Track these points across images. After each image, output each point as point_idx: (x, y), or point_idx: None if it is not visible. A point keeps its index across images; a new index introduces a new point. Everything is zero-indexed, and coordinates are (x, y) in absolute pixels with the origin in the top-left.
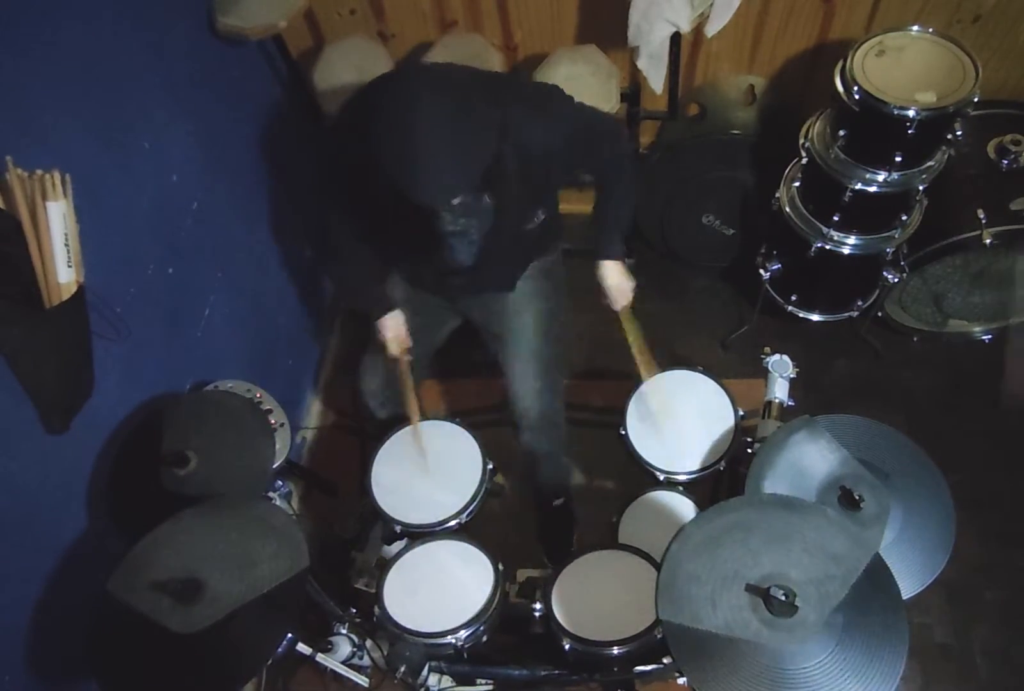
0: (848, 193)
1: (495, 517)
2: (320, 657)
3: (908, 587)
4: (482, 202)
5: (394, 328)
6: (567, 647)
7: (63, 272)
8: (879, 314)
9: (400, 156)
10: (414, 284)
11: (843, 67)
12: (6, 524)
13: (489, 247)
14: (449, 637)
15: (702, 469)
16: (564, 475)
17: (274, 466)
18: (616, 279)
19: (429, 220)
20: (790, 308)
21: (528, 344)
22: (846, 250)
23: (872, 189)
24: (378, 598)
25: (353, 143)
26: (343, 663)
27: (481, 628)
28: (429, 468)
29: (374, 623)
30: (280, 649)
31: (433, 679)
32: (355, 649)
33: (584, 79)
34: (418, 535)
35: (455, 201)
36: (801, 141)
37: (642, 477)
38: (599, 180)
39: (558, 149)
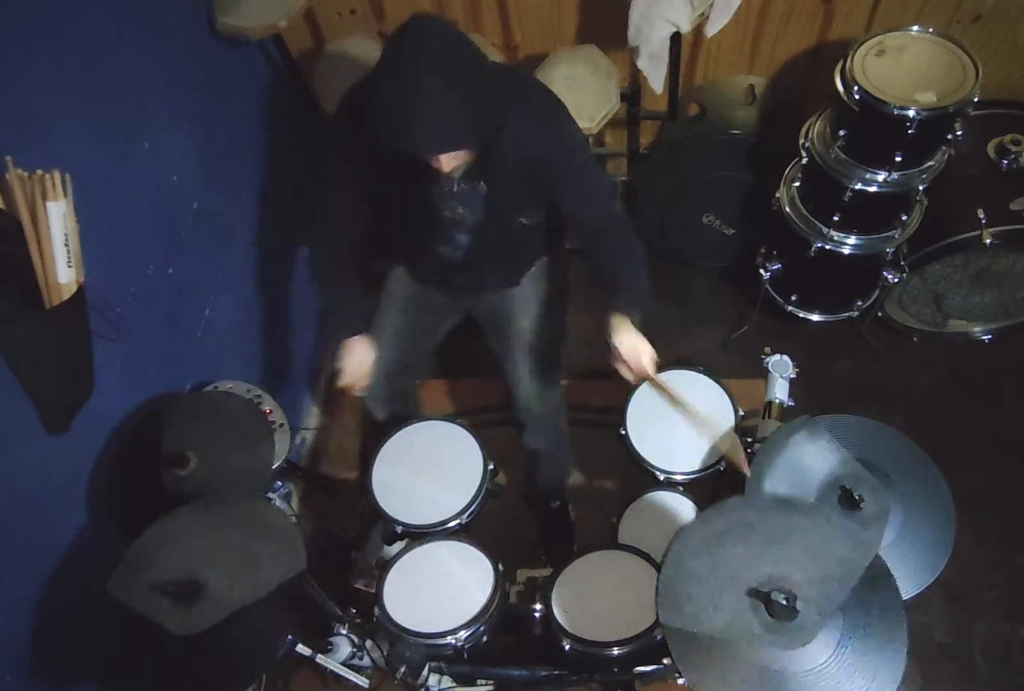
0: (848, 193)
1: (495, 517)
2: (320, 658)
3: (908, 587)
4: (478, 189)
5: (357, 356)
6: (567, 647)
7: (63, 272)
8: (879, 314)
9: (400, 100)
10: (418, 280)
11: (843, 67)
12: (6, 524)
13: (483, 241)
14: (449, 637)
15: (702, 469)
16: (561, 476)
17: (274, 466)
18: (630, 340)
19: (430, 207)
20: (790, 308)
21: (530, 343)
22: (846, 250)
23: (872, 189)
24: (378, 598)
25: (355, 117)
26: (343, 664)
27: (481, 628)
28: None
29: (374, 623)
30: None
31: (433, 679)
32: (355, 650)
33: (584, 79)
34: (418, 535)
35: (452, 159)
36: (801, 141)
37: (642, 477)
38: (596, 238)
39: (553, 157)
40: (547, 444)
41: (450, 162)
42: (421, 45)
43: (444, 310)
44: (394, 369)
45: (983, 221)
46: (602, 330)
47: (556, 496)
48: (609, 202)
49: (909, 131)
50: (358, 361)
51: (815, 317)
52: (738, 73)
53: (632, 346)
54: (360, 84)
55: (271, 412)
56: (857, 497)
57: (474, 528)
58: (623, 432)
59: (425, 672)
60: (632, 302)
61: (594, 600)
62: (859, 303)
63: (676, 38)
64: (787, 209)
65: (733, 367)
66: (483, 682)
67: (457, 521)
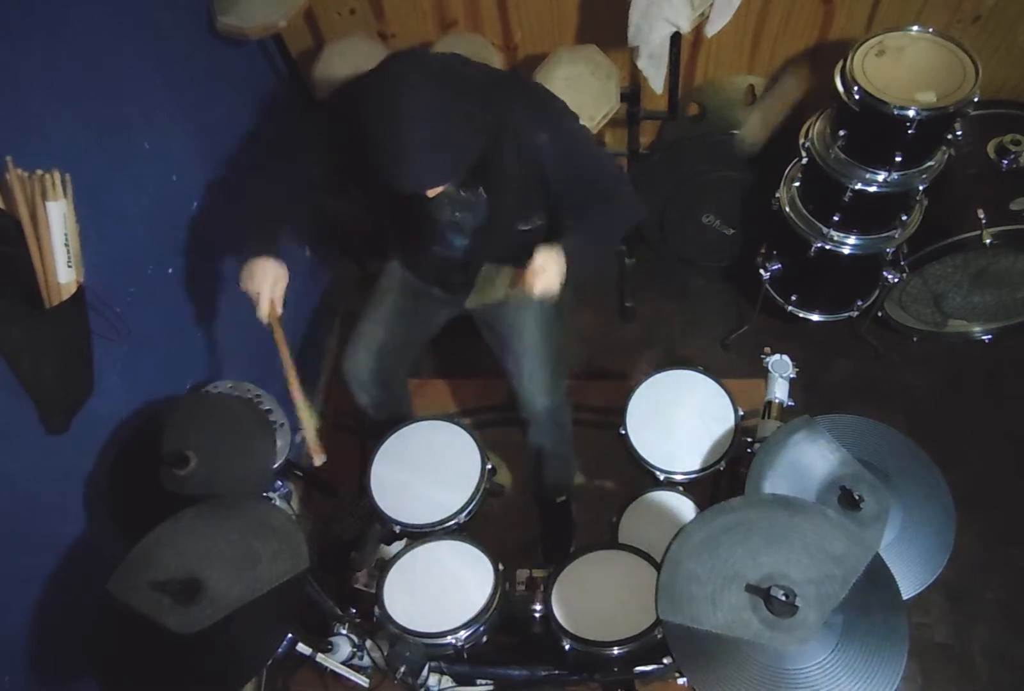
0: (848, 193)
1: (495, 517)
2: (320, 657)
3: (908, 587)
4: (478, 196)
5: (269, 278)
6: (567, 647)
7: (63, 272)
8: (879, 314)
9: (382, 141)
10: (416, 276)
11: (843, 67)
12: (6, 524)
13: (483, 244)
14: (449, 637)
15: (702, 469)
16: (568, 473)
17: (274, 466)
18: (548, 255)
19: (426, 211)
20: (790, 308)
21: (533, 343)
22: (846, 250)
23: (872, 189)
24: (378, 598)
25: (346, 128)
26: (343, 663)
27: (481, 628)
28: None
29: (374, 623)
30: (280, 649)
31: (433, 679)
32: (355, 649)
33: (584, 79)
34: (417, 535)
35: (438, 189)
36: (801, 141)
37: (642, 477)
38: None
39: (556, 159)
40: (555, 443)
41: (435, 191)
42: (403, 87)
43: (441, 303)
44: (380, 349)
45: (983, 221)
46: (599, 326)
47: (562, 492)
48: (613, 189)
49: (909, 131)
50: (270, 283)
51: (815, 317)
52: (738, 73)
53: (546, 259)
54: (354, 83)
55: (271, 411)
56: (857, 497)
57: (474, 528)
58: (623, 432)
59: (425, 672)
60: (572, 249)
61: (594, 600)
62: (859, 303)
63: (676, 38)
64: (787, 209)
65: (733, 367)
66: (483, 682)
67: (455, 521)
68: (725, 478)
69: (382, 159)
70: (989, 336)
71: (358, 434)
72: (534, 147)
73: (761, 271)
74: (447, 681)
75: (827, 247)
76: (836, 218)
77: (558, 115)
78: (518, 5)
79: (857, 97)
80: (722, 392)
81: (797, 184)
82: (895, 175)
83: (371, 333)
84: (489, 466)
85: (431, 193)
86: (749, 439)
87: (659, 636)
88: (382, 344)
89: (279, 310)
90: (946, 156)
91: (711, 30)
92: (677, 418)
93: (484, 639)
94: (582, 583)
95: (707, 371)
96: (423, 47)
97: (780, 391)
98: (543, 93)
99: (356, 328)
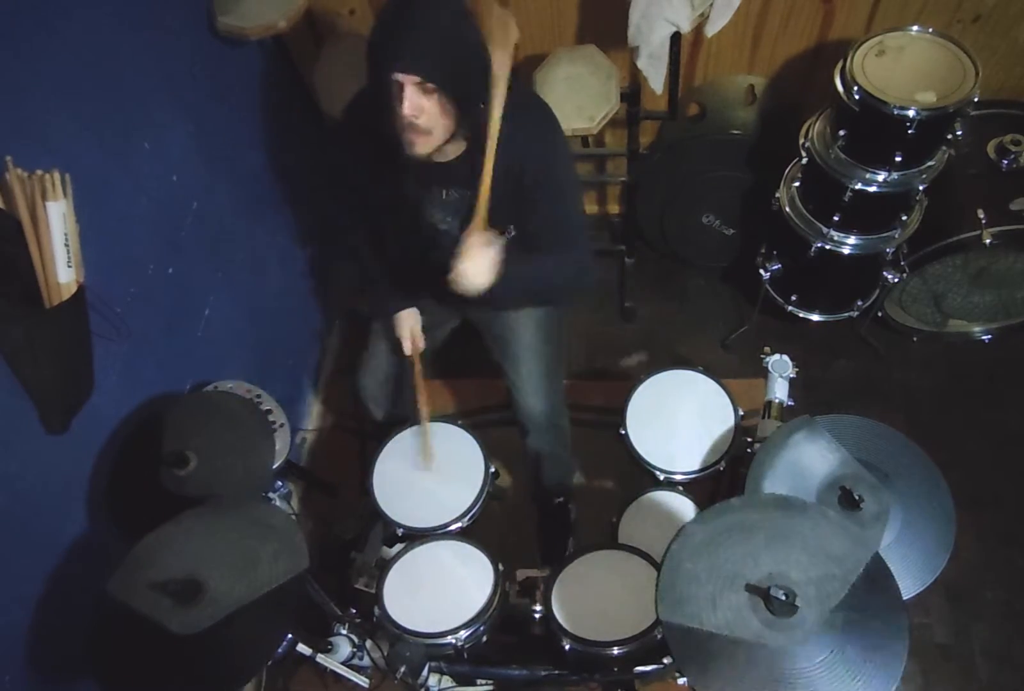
0: (848, 193)
1: (495, 517)
2: (320, 657)
3: (908, 587)
4: (466, 198)
5: (410, 324)
6: (567, 647)
7: (63, 272)
8: (879, 314)
9: (392, 17)
10: (413, 288)
11: (843, 67)
12: (6, 524)
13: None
14: (449, 637)
15: (702, 469)
16: (567, 475)
17: (274, 466)
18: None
19: (419, 218)
20: (790, 308)
21: (530, 347)
22: (846, 250)
23: (872, 189)
24: (378, 598)
25: (356, 119)
26: (343, 663)
27: (481, 628)
28: (432, 469)
29: (374, 623)
30: (280, 649)
31: (433, 679)
32: (355, 649)
33: (584, 79)
34: (419, 537)
35: (415, 80)
36: (801, 141)
37: (642, 477)
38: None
39: (537, 167)
40: (552, 446)
41: (414, 101)
42: None
43: (442, 314)
44: (392, 371)
45: (983, 221)
46: (599, 326)
47: (561, 494)
48: (571, 239)
49: (909, 131)
50: (411, 328)
51: (815, 317)
52: (738, 73)
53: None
54: (362, 90)
55: (271, 412)
56: (857, 497)
57: (474, 528)
58: (623, 432)
59: (425, 672)
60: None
61: (594, 600)
62: (859, 303)
63: (676, 38)
64: (787, 209)
65: (733, 367)
66: (483, 682)
67: (459, 524)
68: (725, 478)
69: (382, 38)
70: (989, 336)
71: (359, 434)
72: (525, 149)
73: (761, 271)
74: (447, 681)
75: (827, 247)
76: (836, 218)
77: (555, 129)
78: (518, 5)
79: (857, 97)
80: (722, 392)
81: (797, 184)
82: (895, 175)
83: (381, 355)
84: (492, 469)
85: (410, 99)
86: (749, 439)
87: (659, 636)
88: (393, 364)
89: (420, 345)
90: (946, 156)
91: (711, 30)
92: (677, 418)
93: (484, 639)
94: (582, 583)
95: (707, 371)
96: None
97: (780, 391)
98: (545, 106)
99: (366, 350)
